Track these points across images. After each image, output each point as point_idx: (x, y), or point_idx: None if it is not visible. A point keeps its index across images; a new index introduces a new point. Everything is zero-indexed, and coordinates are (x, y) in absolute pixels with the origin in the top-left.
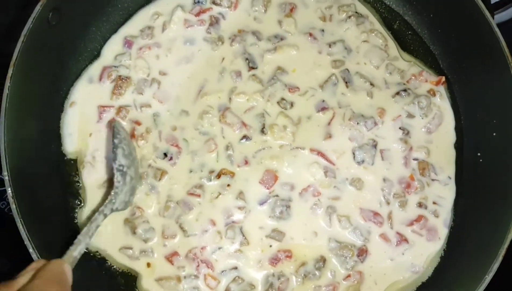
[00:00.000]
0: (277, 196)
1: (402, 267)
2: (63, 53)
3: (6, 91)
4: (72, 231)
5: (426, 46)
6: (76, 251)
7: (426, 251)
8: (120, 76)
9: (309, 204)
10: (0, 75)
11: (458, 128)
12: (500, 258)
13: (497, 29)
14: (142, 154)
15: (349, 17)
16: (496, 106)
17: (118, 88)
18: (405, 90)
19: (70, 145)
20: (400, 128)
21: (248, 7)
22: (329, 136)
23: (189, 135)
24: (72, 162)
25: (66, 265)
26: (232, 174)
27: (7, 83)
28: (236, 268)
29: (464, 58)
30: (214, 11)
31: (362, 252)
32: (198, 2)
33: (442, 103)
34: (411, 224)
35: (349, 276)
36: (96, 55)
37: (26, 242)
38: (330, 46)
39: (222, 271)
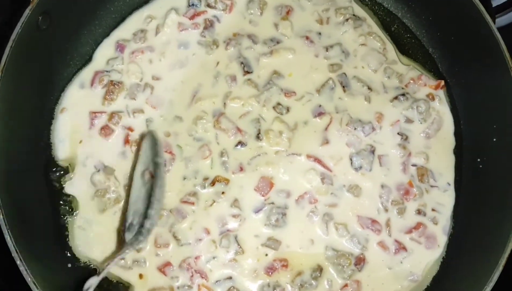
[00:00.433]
0: (272, 203)
1: (400, 276)
2: (53, 58)
3: None
4: (61, 243)
5: (425, 49)
6: None
7: (425, 259)
8: (112, 81)
9: (306, 212)
10: None
11: (458, 133)
12: (500, 268)
13: (497, 33)
14: None
15: (347, 20)
16: (496, 110)
17: (110, 93)
18: (403, 94)
19: (62, 152)
20: (398, 133)
21: (243, 9)
22: (326, 142)
23: (182, 141)
24: (64, 168)
25: None
26: (226, 181)
27: None
28: (231, 278)
29: (463, 62)
30: (209, 14)
31: (360, 261)
32: (193, 4)
33: (441, 108)
34: (409, 231)
35: (346, 285)
36: (88, 59)
37: (14, 254)
38: (327, 49)
39: (217, 281)
